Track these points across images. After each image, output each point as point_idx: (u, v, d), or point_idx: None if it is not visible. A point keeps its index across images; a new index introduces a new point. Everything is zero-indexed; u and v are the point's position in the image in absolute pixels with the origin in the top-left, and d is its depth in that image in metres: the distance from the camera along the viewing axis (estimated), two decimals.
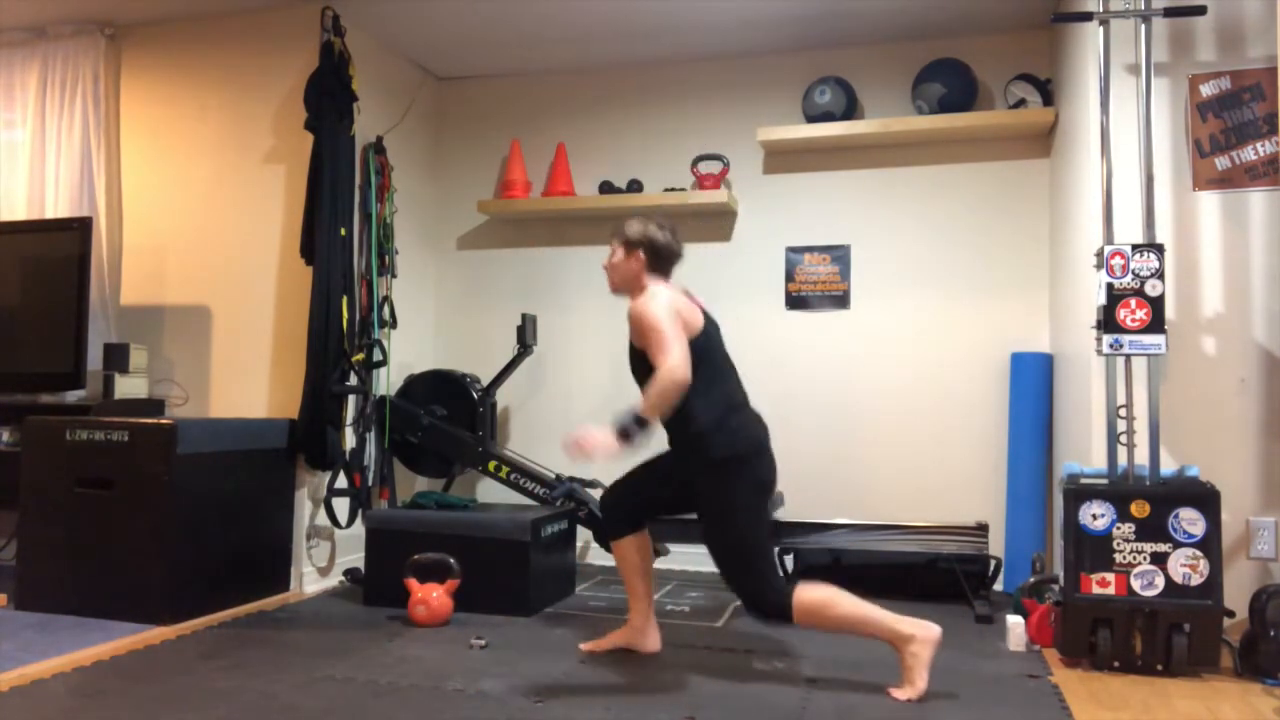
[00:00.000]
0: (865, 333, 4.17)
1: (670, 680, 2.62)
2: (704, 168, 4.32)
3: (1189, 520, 2.72)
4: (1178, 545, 2.72)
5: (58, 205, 4.08)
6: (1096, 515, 2.77)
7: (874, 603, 2.57)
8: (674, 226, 2.87)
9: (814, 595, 2.56)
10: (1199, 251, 3.05)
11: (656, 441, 2.70)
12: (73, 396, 3.81)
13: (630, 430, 2.48)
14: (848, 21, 4.00)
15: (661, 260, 2.83)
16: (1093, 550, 2.76)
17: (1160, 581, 2.71)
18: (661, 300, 2.67)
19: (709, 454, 2.65)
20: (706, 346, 2.72)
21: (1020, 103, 3.90)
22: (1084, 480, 2.85)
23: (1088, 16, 3.05)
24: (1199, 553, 2.70)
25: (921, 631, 2.50)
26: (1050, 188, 3.98)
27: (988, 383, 4.02)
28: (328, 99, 3.69)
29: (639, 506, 2.88)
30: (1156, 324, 2.80)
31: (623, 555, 2.89)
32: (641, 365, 2.73)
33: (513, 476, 3.88)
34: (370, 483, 3.95)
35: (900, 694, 2.50)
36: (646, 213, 3.14)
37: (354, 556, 3.99)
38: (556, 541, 3.60)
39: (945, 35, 4.10)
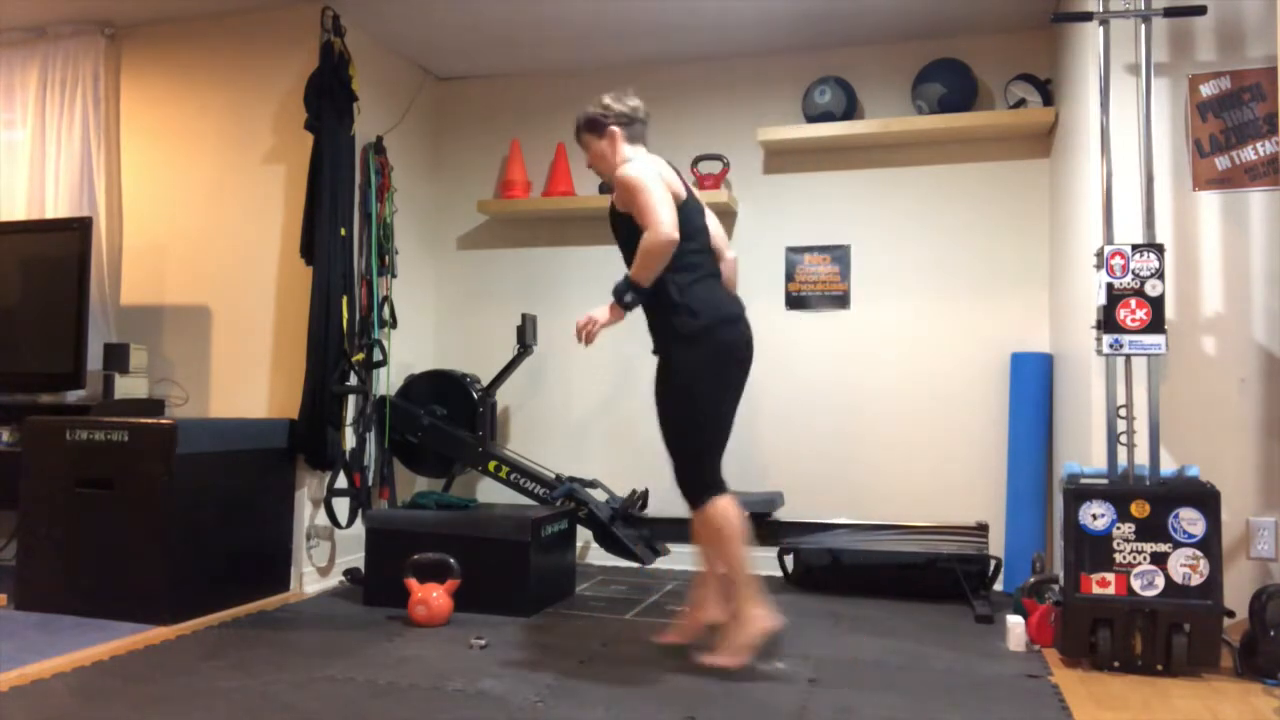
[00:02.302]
0: (865, 333, 4.17)
1: (670, 680, 2.62)
2: (704, 168, 4.32)
3: (1189, 520, 2.72)
4: (1178, 545, 2.72)
5: (58, 205, 4.08)
6: (1096, 515, 2.77)
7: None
8: (629, 91, 2.91)
9: (728, 515, 2.66)
10: (1199, 251, 3.05)
11: None
12: (73, 396, 3.81)
13: (625, 297, 2.59)
14: (848, 21, 4.00)
15: (632, 124, 2.86)
16: (1093, 550, 2.76)
17: (1160, 581, 2.71)
18: (648, 164, 2.71)
19: (681, 325, 2.69)
20: (686, 218, 2.73)
21: (1020, 103, 3.90)
22: (1084, 480, 2.85)
23: (1088, 16, 3.05)
24: (1199, 553, 2.70)
25: (768, 620, 2.67)
26: (1050, 188, 3.98)
27: (988, 383, 4.02)
28: (328, 99, 3.69)
29: None
30: (1156, 324, 2.80)
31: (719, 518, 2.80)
32: (626, 231, 2.76)
33: (513, 476, 3.89)
34: (370, 483, 3.95)
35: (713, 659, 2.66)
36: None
37: (354, 556, 3.99)
38: (556, 541, 3.60)
39: (945, 35, 4.10)
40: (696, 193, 2.91)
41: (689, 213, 2.77)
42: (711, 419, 2.72)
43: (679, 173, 2.86)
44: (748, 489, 4.02)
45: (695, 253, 2.75)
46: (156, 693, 2.45)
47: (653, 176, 2.66)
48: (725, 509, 2.67)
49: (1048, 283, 3.98)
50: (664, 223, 2.57)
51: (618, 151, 2.84)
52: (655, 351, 2.83)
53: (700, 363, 2.68)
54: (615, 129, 2.83)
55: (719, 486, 2.70)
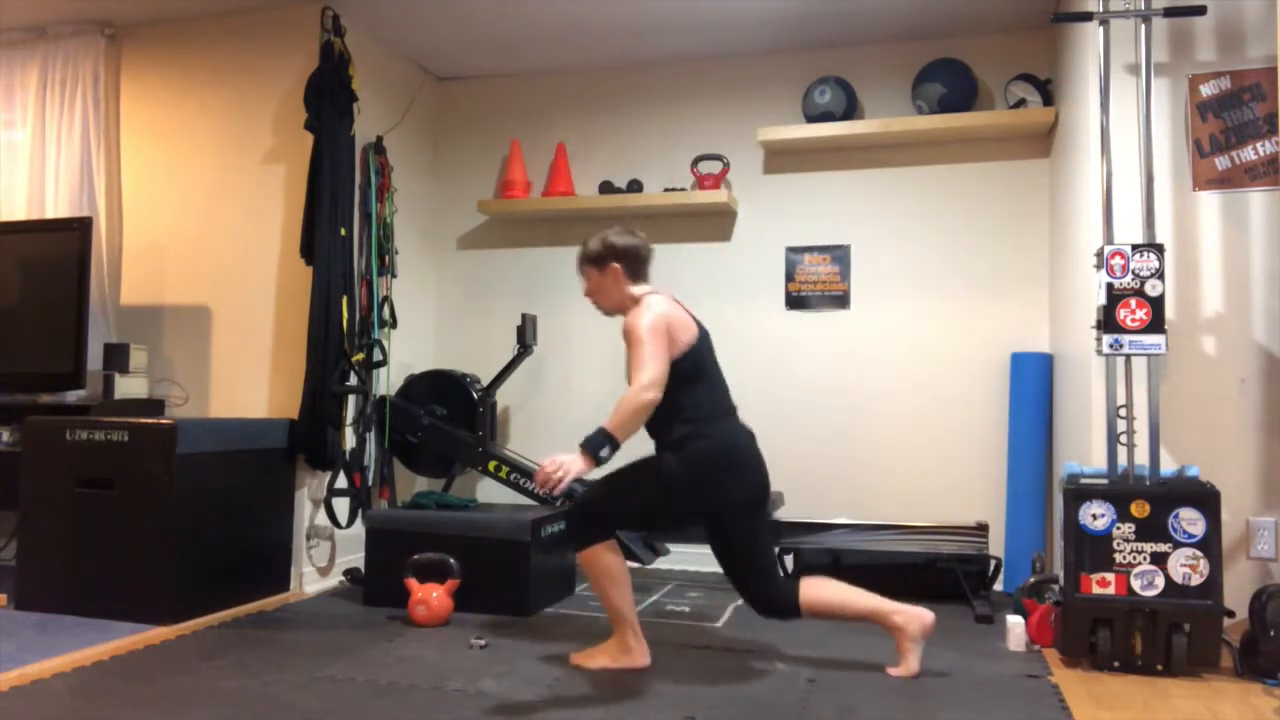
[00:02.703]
0: (865, 333, 4.17)
1: (670, 680, 2.62)
2: (704, 168, 4.32)
3: (1189, 520, 2.72)
4: (1178, 545, 2.72)
5: (58, 205, 4.08)
6: (1096, 515, 2.77)
7: None
8: (632, 228, 2.86)
9: (813, 590, 2.70)
10: (1199, 251, 3.05)
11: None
12: (73, 396, 3.81)
13: (599, 451, 2.51)
14: (848, 21, 4.00)
15: (636, 263, 2.82)
16: (1093, 550, 2.76)
17: (1160, 581, 2.71)
18: (654, 313, 2.66)
19: (682, 459, 2.66)
20: (698, 359, 2.71)
21: (1020, 103, 3.90)
22: (1084, 480, 2.84)
23: (1088, 16, 3.05)
24: (1199, 553, 2.70)
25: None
26: (1050, 188, 3.98)
27: (988, 383, 4.02)
28: (328, 99, 3.69)
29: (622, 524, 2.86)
30: (1156, 324, 2.80)
31: (598, 566, 2.75)
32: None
33: (513, 476, 3.88)
34: (370, 483, 3.95)
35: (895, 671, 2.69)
36: (623, 222, 3.11)
37: (354, 556, 3.99)
38: (556, 541, 3.60)
39: (945, 35, 4.10)
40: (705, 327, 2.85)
41: (701, 352, 2.73)
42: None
43: (687, 310, 2.81)
44: None
45: (708, 397, 2.72)
46: (156, 693, 2.45)
47: (655, 330, 2.61)
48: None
49: (1048, 283, 3.98)
50: (645, 387, 2.53)
51: (621, 288, 2.81)
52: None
53: (687, 481, 2.67)
54: (617, 266, 2.79)
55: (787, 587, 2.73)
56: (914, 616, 2.66)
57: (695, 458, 2.66)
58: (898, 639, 2.68)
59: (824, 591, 2.69)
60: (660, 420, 2.66)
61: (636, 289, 2.81)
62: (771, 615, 2.73)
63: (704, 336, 2.79)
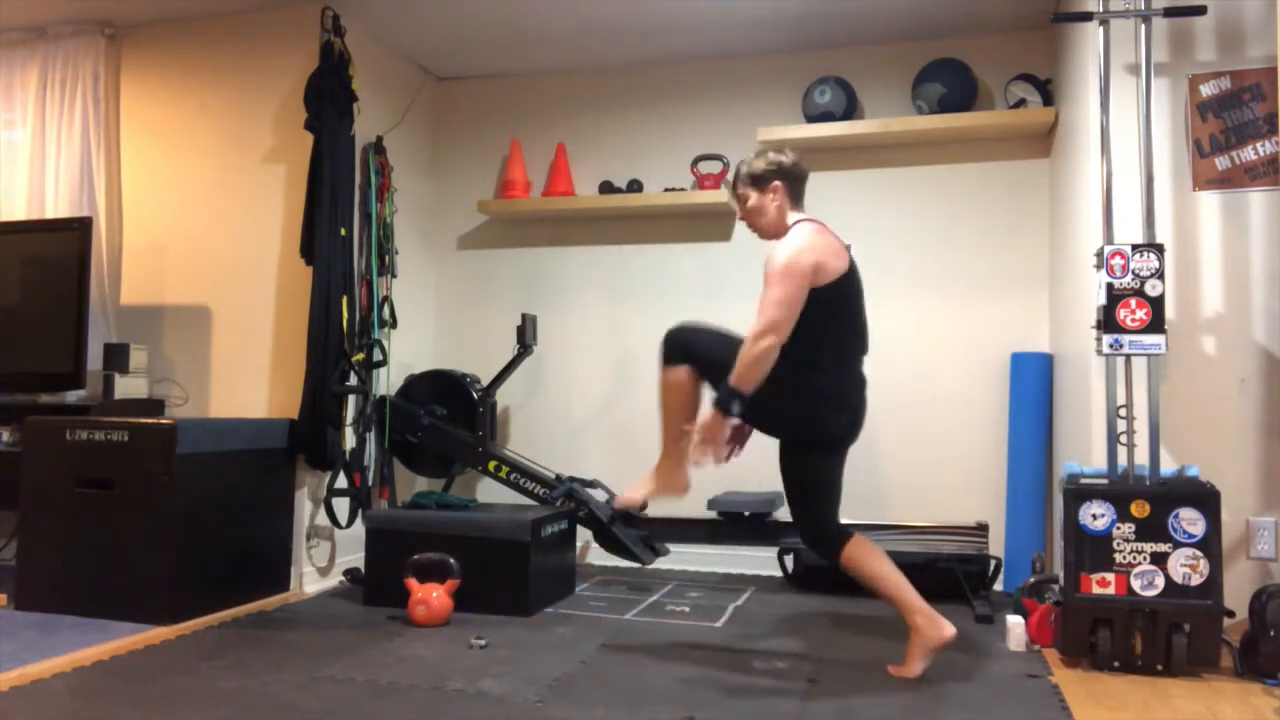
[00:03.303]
0: None
1: (670, 680, 2.62)
2: (704, 168, 4.32)
3: (1189, 520, 2.72)
4: (1178, 545, 2.72)
5: (58, 205, 4.08)
6: (1096, 515, 2.77)
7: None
8: (784, 148, 2.83)
9: (861, 549, 2.69)
10: (1199, 251, 3.05)
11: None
12: (73, 396, 3.81)
13: (729, 406, 2.53)
14: (848, 21, 4.00)
15: (798, 183, 2.77)
16: (1093, 550, 2.76)
17: (1160, 581, 2.71)
18: (799, 245, 2.58)
19: (787, 394, 2.65)
20: (836, 297, 2.64)
21: (1020, 103, 3.90)
22: (1084, 480, 2.84)
23: (1088, 16, 3.05)
24: (1199, 553, 2.70)
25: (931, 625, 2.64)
26: (1050, 188, 3.98)
27: (988, 383, 4.02)
28: (328, 99, 3.69)
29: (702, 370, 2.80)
30: (1156, 324, 2.80)
31: (673, 384, 2.77)
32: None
33: (513, 476, 3.88)
34: (370, 483, 3.95)
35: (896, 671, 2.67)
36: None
37: (354, 556, 3.99)
38: (556, 541, 3.60)
39: (945, 35, 4.10)
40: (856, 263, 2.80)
41: (843, 291, 2.67)
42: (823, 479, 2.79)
43: (843, 242, 2.75)
44: (748, 489, 4.02)
45: (830, 336, 2.67)
46: (156, 693, 2.45)
47: (790, 270, 2.54)
48: (854, 552, 2.72)
49: (1048, 283, 3.98)
50: (762, 329, 2.50)
51: (781, 209, 2.75)
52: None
53: (809, 451, 2.73)
54: (780, 184, 2.73)
55: (839, 532, 2.77)
56: (935, 625, 2.61)
57: (803, 387, 2.65)
58: (911, 639, 2.65)
59: (868, 555, 2.68)
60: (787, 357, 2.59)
61: (791, 215, 2.76)
62: (813, 547, 2.77)
63: (851, 275, 2.71)
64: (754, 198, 2.77)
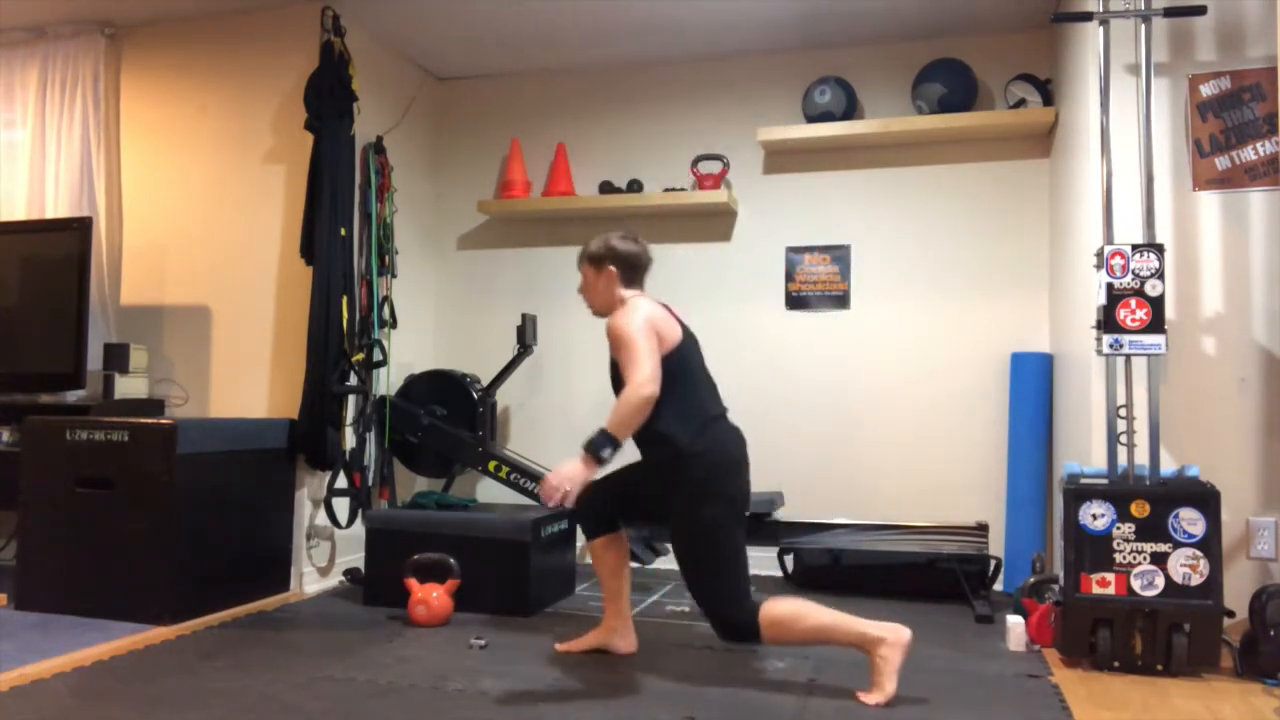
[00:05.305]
0: (865, 333, 4.17)
1: (670, 680, 2.62)
2: (704, 168, 4.32)
3: (1189, 520, 2.72)
4: (1178, 545, 2.72)
5: (58, 205, 4.08)
6: (1096, 515, 2.77)
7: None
8: (636, 235, 2.86)
9: (780, 610, 2.51)
10: (1199, 251, 3.05)
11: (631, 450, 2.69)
12: (73, 396, 3.81)
13: (601, 452, 2.48)
14: (848, 21, 4.00)
15: (632, 269, 2.81)
16: (1093, 550, 2.76)
17: (1160, 581, 2.71)
18: (638, 314, 2.64)
19: (683, 472, 2.62)
20: (683, 360, 2.69)
21: (1020, 103, 3.90)
22: (1084, 480, 2.85)
23: (1088, 16, 3.05)
24: (1199, 553, 2.70)
25: (891, 635, 2.44)
26: (1050, 188, 3.98)
27: (988, 383, 4.02)
28: (327, 99, 3.69)
29: (614, 508, 2.86)
30: (1156, 324, 2.80)
31: (597, 555, 2.88)
32: (615, 376, 2.72)
33: (513, 476, 3.88)
34: (370, 483, 3.95)
35: (869, 698, 2.44)
36: (622, 222, 3.10)
37: (354, 556, 3.99)
38: (556, 541, 3.60)
39: (945, 35, 4.10)
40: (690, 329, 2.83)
41: (685, 348, 2.71)
42: (728, 549, 2.62)
43: (671, 309, 2.80)
44: None
45: (692, 395, 2.68)
46: (156, 693, 2.45)
47: (639, 327, 2.59)
48: (774, 615, 2.52)
49: (1048, 283, 3.98)
50: (643, 383, 2.51)
51: (612, 291, 2.81)
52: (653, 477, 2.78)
53: (706, 509, 2.60)
54: (613, 269, 2.79)
55: (752, 609, 2.55)
56: (895, 633, 2.46)
57: (697, 470, 2.61)
58: (874, 663, 2.47)
59: (794, 611, 2.52)
60: (650, 426, 2.62)
61: (626, 292, 2.81)
62: (736, 631, 2.58)
63: (689, 340, 2.76)
64: (590, 276, 2.85)
